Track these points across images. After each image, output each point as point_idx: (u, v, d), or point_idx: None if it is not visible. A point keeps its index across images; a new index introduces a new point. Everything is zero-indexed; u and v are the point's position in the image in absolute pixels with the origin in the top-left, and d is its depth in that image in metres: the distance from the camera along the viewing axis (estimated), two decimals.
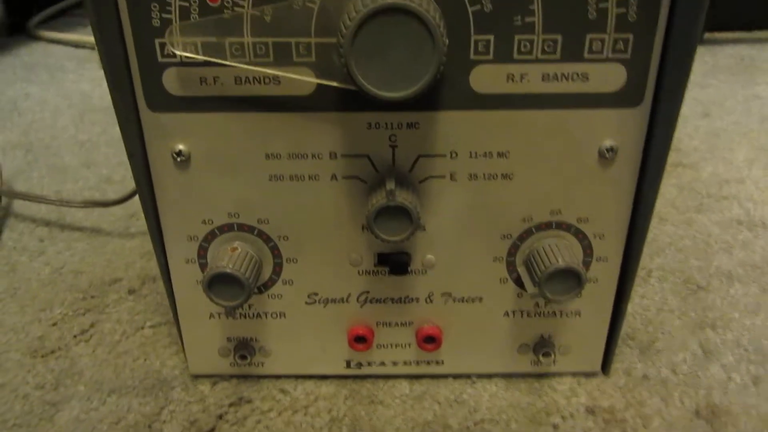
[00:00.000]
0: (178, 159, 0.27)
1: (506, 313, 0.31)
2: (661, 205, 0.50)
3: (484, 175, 0.28)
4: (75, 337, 0.37)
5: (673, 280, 0.41)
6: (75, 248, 0.46)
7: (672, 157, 0.58)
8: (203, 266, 0.30)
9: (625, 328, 0.36)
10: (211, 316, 0.32)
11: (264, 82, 0.26)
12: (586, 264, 0.30)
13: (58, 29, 0.99)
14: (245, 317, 0.32)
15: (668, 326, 0.37)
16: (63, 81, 0.81)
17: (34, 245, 0.46)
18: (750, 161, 0.57)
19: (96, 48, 0.25)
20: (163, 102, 0.26)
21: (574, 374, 0.33)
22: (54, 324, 0.38)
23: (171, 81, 0.26)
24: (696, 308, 0.38)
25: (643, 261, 0.43)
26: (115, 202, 0.46)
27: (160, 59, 0.26)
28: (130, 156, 0.28)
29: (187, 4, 0.24)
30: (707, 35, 0.95)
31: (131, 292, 0.41)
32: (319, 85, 0.26)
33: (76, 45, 0.93)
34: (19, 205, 0.51)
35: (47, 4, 1.05)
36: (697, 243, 0.45)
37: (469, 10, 0.25)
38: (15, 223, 0.49)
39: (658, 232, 0.46)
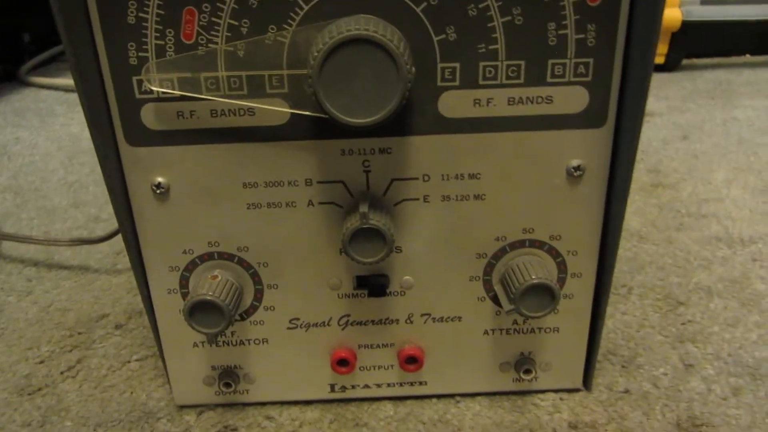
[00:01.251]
0: (158, 191, 0.28)
1: (486, 332, 0.32)
2: (641, 225, 0.51)
3: (456, 196, 0.29)
4: (62, 373, 0.37)
5: (653, 297, 0.41)
6: (62, 286, 0.46)
7: (652, 178, 0.60)
8: (185, 296, 0.31)
9: (607, 344, 0.37)
10: (195, 345, 0.32)
11: (239, 114, 0.27)
12: (561, 280, 0.30)
13: (49, 75, 1.01)
14: (228, 345, 0.32)
15: (649, 341, 0.37)
16: (53, 125, 0.82)
17: (21, 285, 0.47)
18: (729, 181, 0.59)
19: (75, 86, 0.26)
20: (142, 136, 0.27)
21: (557, 391, 0.33)
22: (41, 362, 0.38)
23: (149, 116, 0.27)
24: (676, 323, 0.39)
25: (623, 278, 0.44)
26: (102, 239, 0.46)
27: (137, 95, 0.27)
28: (110, 190, 0.28)
29: (162, 42, 0.25)
30: (686, 61, 0.98)
31: (118, 327, 0.41)
32: (292, 115, 0.27)
33: (66, 89, 0.95)
34: (7, 247, 0.52)
35: (37, 52, 1.07)
36: (677, 260, 0.46)
37: (434, 39, 0.26)
38: (3, 264, 0.50)
39: (638, 250, 0.47)
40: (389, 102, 0.24)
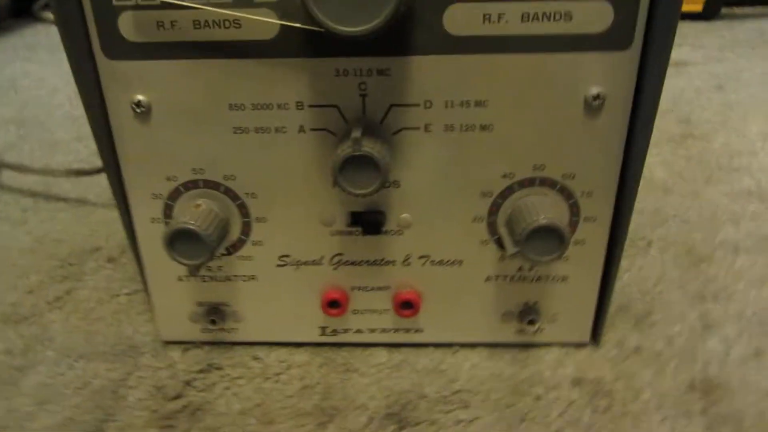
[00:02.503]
0: (138, 110, 0.26)
1: (488, 278, 0.30)
2: (667, 176, 0.48)
3: (461, 126, 0.26)
4: (49, 303, 0.36)
5: (674, 252, 0.39)
6: (58, 218, 0.45)
7: (682, 129, 0.56)
8: None
9: (620, 299, 0.34)
10: (180, 279, 0.30)
11: (224, 26, 0.24)
12: (573, 224, 0.28)
13: None
14: (214, 280, 0.30)
15: (667, 298, 0.35)
16: (62, 60, 0.79)
17: (17, 215, 0.45)
18: (764, 134, 0.55)
19: None
20: (120, 49, 0.25)
21: (563, 345, 0.31)
22: (29, 291, 0.37)
23: (127, 26, 0.25)
24: (697, 280, 0.36)
25: (643, 231, 0.41)
26: (100, 169, 0.45)
27: (114, 2, 0.24)
28: (87, 107, 0.26)
29: None
30: (725, 10, 0.92)
31: (110, 260, 0.40)
32: (282, 29, 0.24)
33: None
34: (6, 177, 0.50)
35: None
36: (703, 214, 0.43)
37: None
38: (0, 193, 0.48)
39: (662, 203, 0.44)
40: (385, 6, 0.21)
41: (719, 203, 0.44)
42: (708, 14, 0.88)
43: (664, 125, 0.56)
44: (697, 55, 0.74)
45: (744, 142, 0.52)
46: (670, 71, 0.25)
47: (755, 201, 0.44)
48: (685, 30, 0.85)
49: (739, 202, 0.44)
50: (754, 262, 0.37)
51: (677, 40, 0.24)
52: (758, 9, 0.91)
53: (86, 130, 0.60)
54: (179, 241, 0.26)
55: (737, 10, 0.91)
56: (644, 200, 0.44)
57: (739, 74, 0.67)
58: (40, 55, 0.82)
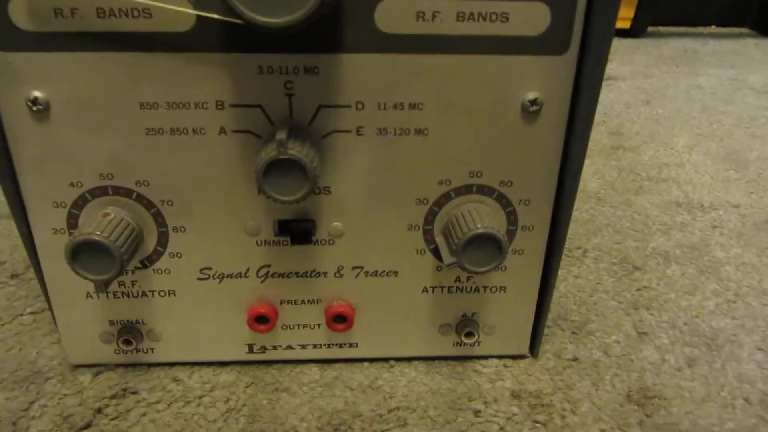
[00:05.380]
0: (35, 108, 0.23)
1: (425, 289, 0.28)
2: (599, 186, 0.48)
3: (395, 130, 0.25)
4: None
5: (609, 261, 0.39)
6: None
7: (613, 141, 0.57)
8: None
9: (558, 309, 0.34)
10: (89, 295, 0.28)
11: (133, 16, 0.22)
12: (511, 233, 0.27)
13: None
14: (128, 296, 0.28)
15: (602, 307, 0.34)
16: None
17: None
18: (690, 147, 0.56)
19: None
20: (12, 39, 0.22)
21: (501, 357, 0.30)
22: None
23: (20, 13, 0.22)
24: (631, 289, 0.36)
25: (578, 240, 0.41)
26: None
27: None
28: None
29: None
30: (651, 29, 0.96)
31: (14, 276, 0.36)
32: (198, 20, 0.22)
33: None
34: None
35: None
36: (635, 224, 0.43)
37: None
38: None
39: (595, 212, 0.44)
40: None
41: (650, 213, 0.44)
42: (635, 32, 0.92)
43: (595, 137, 0.57)
44: (626, 70, 0.77)
45: (671, 155, 0.54)
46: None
47: (683, 212, 0.45)
48: (613, 46, 0.88)
49: (669, 213, 0.44)
50: (684, 271, 0.38)
51: None
52: (682, 29, 0.96)
53: None
54: (84, 253, 0.24)
55: (662, 29, 0.95)
56: (578, 209, 0.44)
57: (666, 90, 0.70)
58: None
